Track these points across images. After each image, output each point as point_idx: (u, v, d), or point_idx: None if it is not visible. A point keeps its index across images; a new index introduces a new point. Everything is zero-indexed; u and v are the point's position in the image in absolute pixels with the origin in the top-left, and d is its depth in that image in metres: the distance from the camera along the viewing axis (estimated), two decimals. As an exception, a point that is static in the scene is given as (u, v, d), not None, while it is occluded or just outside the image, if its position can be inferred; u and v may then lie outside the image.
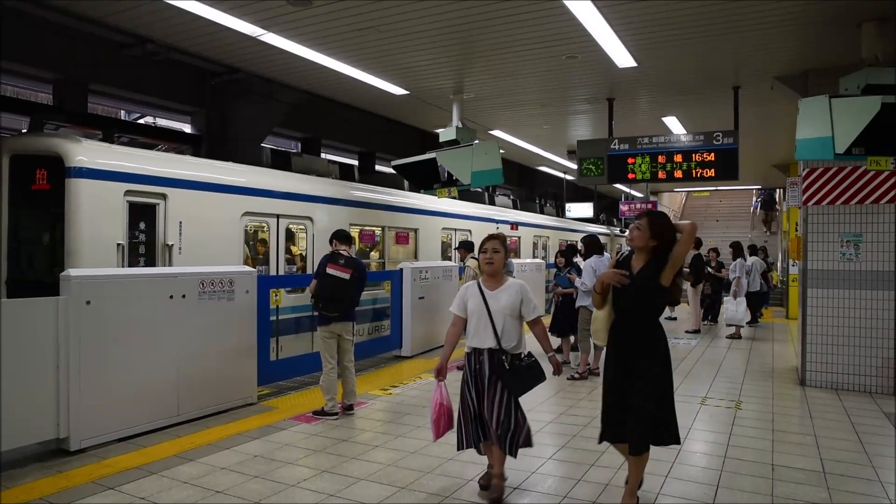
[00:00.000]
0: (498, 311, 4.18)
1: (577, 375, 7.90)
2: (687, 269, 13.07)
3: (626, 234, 4.74)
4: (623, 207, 18.75)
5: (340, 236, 6.45)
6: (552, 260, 10.82)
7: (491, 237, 4.37)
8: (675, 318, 14.40)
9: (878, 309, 7.29)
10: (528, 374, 4.19)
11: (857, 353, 7.39)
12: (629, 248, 4.12)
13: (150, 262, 7.02)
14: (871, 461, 4.99)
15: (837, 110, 5.91)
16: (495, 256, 4.28)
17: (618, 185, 21.21)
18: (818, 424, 6.02)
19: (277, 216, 8.75)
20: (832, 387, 7.49)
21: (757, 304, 13.92)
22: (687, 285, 12.96)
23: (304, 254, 9.37)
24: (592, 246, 8.38)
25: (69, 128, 7.89)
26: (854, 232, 7.43)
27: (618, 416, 3.96)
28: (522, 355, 4.22)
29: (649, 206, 17.76)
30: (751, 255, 13.36)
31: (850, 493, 4.33)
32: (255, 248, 8.76)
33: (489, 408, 4.14)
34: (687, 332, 12.39)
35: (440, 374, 4.35)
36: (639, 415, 3.83)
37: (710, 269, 12.96)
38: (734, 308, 11.61)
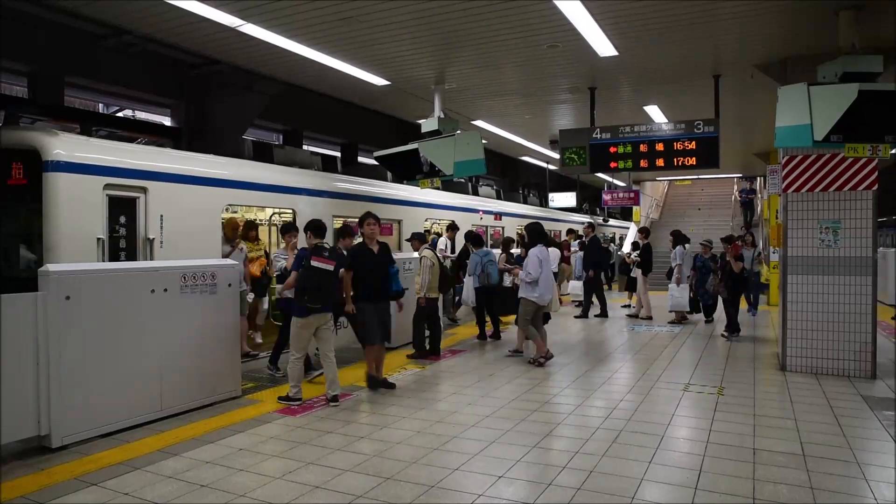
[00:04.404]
0: None
1: (541, 361, 8.06)
2: (638, 259, 13.26)
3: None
4: (606, 196, 18.88)
5: (314, 228, 6.43)
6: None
7: None
8: (630, 306, 14.35)
9: (856, 294, 7.40)
10: None
11: (836, 338, 7.50)
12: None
13: (132, 257, 6.95)
14: (850, 443, 5.07)
15: (816, 98, 5.96)
16: None
17: (600, 175, 21.34)
18: (798, 408, 6.11)
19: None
20: (812, 371, 7.60)
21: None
22: (638, 273, 13.12)
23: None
24: (536, 234, 8.36)
25: (45, 121, 7.76)
26: (833, 219, 7.53)
27: None
28: None
29: (631, 195, 17.90)
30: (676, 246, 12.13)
31: (828, 475, 4.40)
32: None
33: None
34: (631, 316, 12.88)
35: None
36: None
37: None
38: (678, 294, 11.80)
